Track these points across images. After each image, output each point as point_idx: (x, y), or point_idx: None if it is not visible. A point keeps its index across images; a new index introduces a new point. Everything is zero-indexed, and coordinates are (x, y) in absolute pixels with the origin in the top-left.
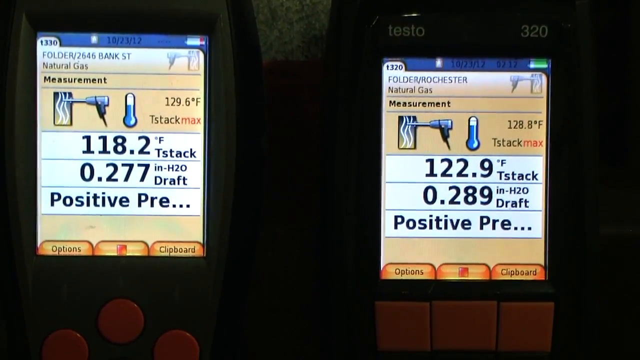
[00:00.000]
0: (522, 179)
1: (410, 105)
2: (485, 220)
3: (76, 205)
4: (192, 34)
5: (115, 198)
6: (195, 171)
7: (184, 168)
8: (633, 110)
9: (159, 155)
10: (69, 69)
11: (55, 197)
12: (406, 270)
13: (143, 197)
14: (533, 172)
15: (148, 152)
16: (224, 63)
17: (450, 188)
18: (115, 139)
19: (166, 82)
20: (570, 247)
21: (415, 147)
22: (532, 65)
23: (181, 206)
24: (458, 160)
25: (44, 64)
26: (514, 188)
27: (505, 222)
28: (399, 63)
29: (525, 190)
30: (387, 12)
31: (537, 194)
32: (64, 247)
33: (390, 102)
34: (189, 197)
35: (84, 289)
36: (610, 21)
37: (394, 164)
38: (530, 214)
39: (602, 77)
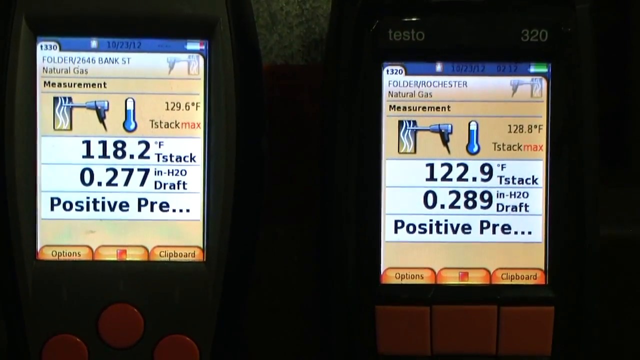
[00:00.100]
0: (522, 183)
1: (410, 110)
2: (485, 224)
3: (76, 210)
4: (192, 39)
5: (115, 203)
6: (195, 176)
7: (183, 173)
8: (633, 110)
9: (158, 160)
10: (69, 73)
11: (55, 201)
12: (406, 274)
13: (143, 202)
14: (533, 177)
15: (148, 157)
16: (224, 67)
17: (451, 192)
18: (115, 144)
19: (166, 86)
20: (570, 251)
21: (415, 152)
22: (532, 70)
23: (181, 211)
24: (458, 165)
25: (43, 68)
26: (514, 192)
27: (506, 227)
28: (399, 67)
29: (525, 195)
30: (387, 16)
31: (537, 199)
32: (63, 252)
33: (390, 106)
34: (188, 202)
35: (84, 294)
36: (611, 22)
37: (394, 169)
38: (531, 219)
39: (603, 77)
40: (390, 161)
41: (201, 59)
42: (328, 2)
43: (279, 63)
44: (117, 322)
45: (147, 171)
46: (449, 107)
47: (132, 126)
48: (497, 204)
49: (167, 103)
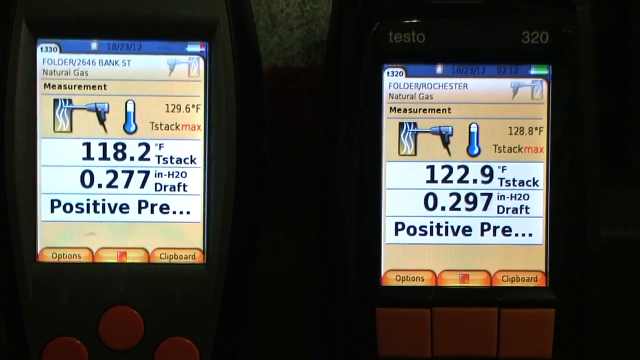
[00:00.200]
0: (523, 185)
1: (411, 112)
2: (485, 226)
3: (76, 212)
4: (192, 41)
5: (116, 205)
6: (196, 178)
7: (184, 175)
8: (633, 111)
9: (159, 162)
10: (69, 75)
11: (55, 203)
12: (407, 276)
13: (143, 204)
14: (534, 179)
15: (148, 159)
16: (224, 69)
17: (451, 194)
18: (115, 146)
19: (166, 88)
20: (571, 253)
21: (415, 154)
22: (532, 72)
23: (181, 213)
24: (459, 167)
25: (44, 70)
26: (515, 194)
27: (506, 229)
28: (399, 69)
29: (526, 197)
30: (387, 18)
31: (537, 201)
32: (64, 254)
33: (391, 108)
34: (189, 204)
35: (84, 296)
36: (611, 22)
37: (394, 171)
38: (531, 221)
39: (603, 79)
40: (391, 163)
41: (201, 61)
42: (328, 4)
43: (280, 65)
44: (118, 325)
45: (147, 173)
46: (449, 109)
47: (133, 128)
48: (498, 206)
49: (167, 105)
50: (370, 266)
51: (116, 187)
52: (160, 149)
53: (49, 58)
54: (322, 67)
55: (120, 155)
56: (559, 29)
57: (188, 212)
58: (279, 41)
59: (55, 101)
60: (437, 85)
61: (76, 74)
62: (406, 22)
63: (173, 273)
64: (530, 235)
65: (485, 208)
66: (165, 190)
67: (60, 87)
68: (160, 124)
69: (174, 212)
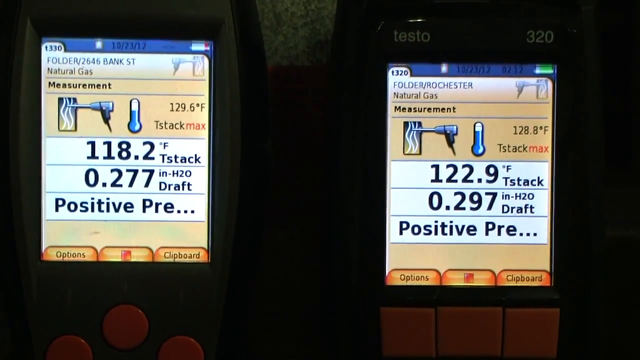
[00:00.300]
0: (528, 184)
1: (416, 111)
2: (490, 226)
3: (81, 210)
4: (197, 39)
5: (120, 204)
6: (200, 177)
7: (188, 174)
8: (637, 110)
9: (163, 161)
10: (74, 74)
11: (60, 202)
12: (411, 276)
13: (147, 203)
14: (538, 178)
15: (153, 158)
16: (228, 68)
17: (456, 194)
18: (119, 145)
19: (171, 87)
20: (575, 253)
21: (420, 153)
22: (537, 71)
23: (186, 212)
24: (463, 166)
25: (48, 69)
26: (520, 194)
27: (511, 228)
28: (404, 68)
29: (530, 196)
30: (392, 17)
31: (542, 200)
32: (68, 253)
33: (396, 107)
34: (193, 203)
35: (89, 295)
36: (616, 22)
37: (399, 170)
38: (536, 220)
39: (607, 78)
40: (396, 162)
41: (206, 60)
42: (333, 3)
43: (284, 64)
44: (122, 324)
45: (151, 172)
46: (454, 108)
47: (137, 127)
48: (503, 206)
49: (171, 104)
50: (374, 265)
51: (120, 186)
52: (164, 148)
53: (54, 57)
54: (327, 66)
55: (124, 154)
56: (563, 28)
57: (192, 211)
58: (284, 40)
59: (60, 100)
60: (442, 85)
61: (81, 73)
62: (411, 21)
63: (177, 272)
64: (535, 234)
65: (489, 207)
66: (169, 189)
67: (64, 85)
68: (165, 123)
69: (179, 211)
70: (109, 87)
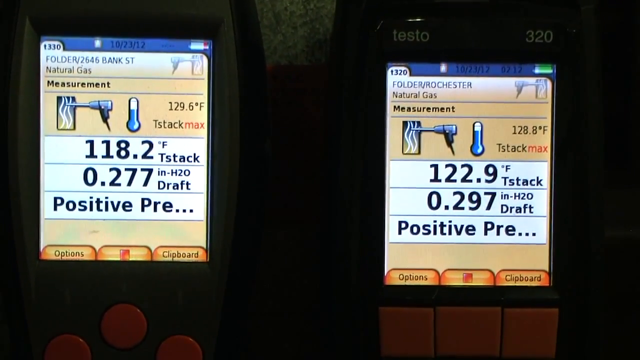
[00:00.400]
0: (527, 184)
1: (415, 110)
2: (489, 225)
3: (79, 209)
4: (196, 39)
5: (119, 203)
6: (199, 176)
7: (187, 173)
8: (636, 110)
9: (162, 160)
10: (73, 73)
11: (58, 201)
12: (410, 275)
13: (146, 202)
14: (537, 178)
15: (151, 157)
16: (227, 67)
17: (455, 193)
18: (118, 144)
19: (170, 86)
20: (574, 253)
21: (419, 153)
22: (537, 71)
23: (184, 211)
24: (462, 166)
25: (47, 68)
26: (519, 194)
27: (510, 228)
28: (403, 68)
29: (529, 196)
30: (391, 16)
31: (541, 200)
32: (66, 252)
33: (395, 107)
34: (192, 202)
35: (87, 294)
36: (615, 22)
37: (398, 169)
38: (535, 220)
39: (607, 78)
40: (395, 162)
41: (205, 59)
42: (332, 2)
43: (283, 63)
44: (120, 323)
45: (150, 171)
46: (453, 108)
47: (136, 126)
48: (502, 205)
49: (170, 103)
50: (373, 265)
51: (119, 185)
52: (163, 147)
53: (53, 56)
54: (326, 66)
55: (123, 153)
56: (563, 28)
57: (191, 210)
58: (283, 39)
59: (59, 99)
60: (441, 84)
61: (79, 72)
62: (410, 20)
63: (176, 271)
64: (534, 234)
65: (488, 207)
66: (168, 188)
67: (63, 84)
68: (164, 122)
69: (177, 210)
70: (108, 86)
